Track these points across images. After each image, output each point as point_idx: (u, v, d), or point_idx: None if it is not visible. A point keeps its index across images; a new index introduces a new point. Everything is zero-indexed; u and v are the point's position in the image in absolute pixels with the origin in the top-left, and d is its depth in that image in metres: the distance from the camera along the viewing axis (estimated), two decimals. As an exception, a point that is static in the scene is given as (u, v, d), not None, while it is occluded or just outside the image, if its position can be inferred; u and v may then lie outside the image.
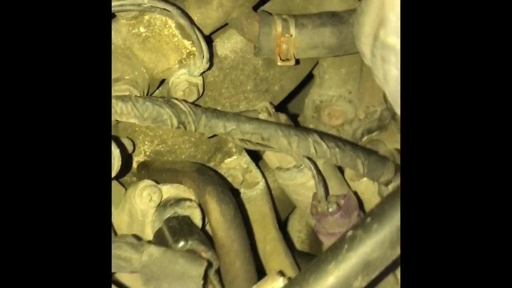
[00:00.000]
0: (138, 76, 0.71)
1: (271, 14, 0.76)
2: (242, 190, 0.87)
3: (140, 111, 0.63)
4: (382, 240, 0.56)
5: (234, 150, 0.86)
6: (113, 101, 0.62)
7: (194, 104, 0.69)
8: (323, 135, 0.73)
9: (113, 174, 0.60)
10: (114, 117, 0.62)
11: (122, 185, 0.75)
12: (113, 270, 0.55)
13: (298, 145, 0.71)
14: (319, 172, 0.75)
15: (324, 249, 1.06)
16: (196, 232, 0.63)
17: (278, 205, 0.98)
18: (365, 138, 0.99)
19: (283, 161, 0.82)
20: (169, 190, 0.69)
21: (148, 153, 0.80)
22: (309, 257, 0.90)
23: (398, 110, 0.51)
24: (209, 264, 0.60)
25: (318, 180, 0.75)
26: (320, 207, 0.76)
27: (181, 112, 0.65)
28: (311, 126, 1.00)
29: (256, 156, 0.92)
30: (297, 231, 1.15)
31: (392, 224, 0.56)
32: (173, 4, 0.67)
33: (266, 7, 0.81)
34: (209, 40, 0.78)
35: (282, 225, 1.09)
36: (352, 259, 0.56)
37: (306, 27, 0.75)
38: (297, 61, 0.77)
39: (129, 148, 0.75)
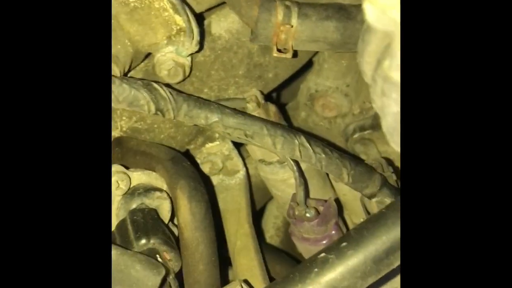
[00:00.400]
0: (120, 50, 0.65)
1: (273, -2, 0.70)
2: (220, 177, 0.84)
3: (116, 93, 0.58)
4: (354, 269, 0.53)
5: (216, 135, 0.81)
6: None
7: (176, 90, 0.63)
8: (310, 139, 0.68)
9: None
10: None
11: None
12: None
13: (282, 146, 0.67)
14: (301, 174, 0.72)
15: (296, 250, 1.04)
16: (161, 230, 0.59)
17: (257, 192, 0.95)
18: (356, 135, 0.95)
19: (266, 154, 0.78)
20: (139, 177, 0.65)
21: (124, 129, 0.75)
22: (279, 255, 0.88)
23: (393, 144, 0.46)
24: (168, 272, 0.56)
25: (299, 182, 0.71)
26: (297, 210, 0.72)
27: (160, 98, 0.60)
28: (303, 113, 0.96)
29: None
30: (274, 217, 1.13)
31: (367, 253, 0.53)
32: None
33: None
34: (202, 17, 0.72)
35: (259, 211, 1.06)
36: (320, 285, 0.53)
37: (309, 18, 0.69)
38: (295, 54, 0.71)
39: (103, 125, 0.69)
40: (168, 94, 0.61)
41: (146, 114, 0.75)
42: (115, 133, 0.76)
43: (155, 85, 0.61)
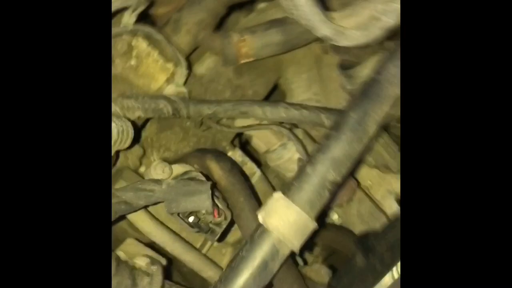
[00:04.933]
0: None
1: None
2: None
3: (142, 104, 0.82)
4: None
5: (227, 147, 1.03)
6: (119, 99, 0.81)
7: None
8: (290, 103, 0.91)
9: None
10: (122, 112, 0.81)
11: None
12: (141, 202, 0.70)
13: (271, 112, 0.89)
14: (294, 135, 0.92)
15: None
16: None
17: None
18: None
19: (269, 143, 0.99)
20: (178, 169, 0.85)
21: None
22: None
23: None
24: (213, 184, 0.75)
25: (295, 140, 0.91)
26: (301, 162, 0.91)
27: (173, 101, 0.85)
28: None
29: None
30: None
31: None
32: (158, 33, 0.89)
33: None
34: (188, 63, 0.99)
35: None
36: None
37: (256, 32, 0.96)
38: (261, 61, 0.97)
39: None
40: (178, 99, 0.86)
41: (170, 144, 0.98)
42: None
43: (167, 95, 0.86)
